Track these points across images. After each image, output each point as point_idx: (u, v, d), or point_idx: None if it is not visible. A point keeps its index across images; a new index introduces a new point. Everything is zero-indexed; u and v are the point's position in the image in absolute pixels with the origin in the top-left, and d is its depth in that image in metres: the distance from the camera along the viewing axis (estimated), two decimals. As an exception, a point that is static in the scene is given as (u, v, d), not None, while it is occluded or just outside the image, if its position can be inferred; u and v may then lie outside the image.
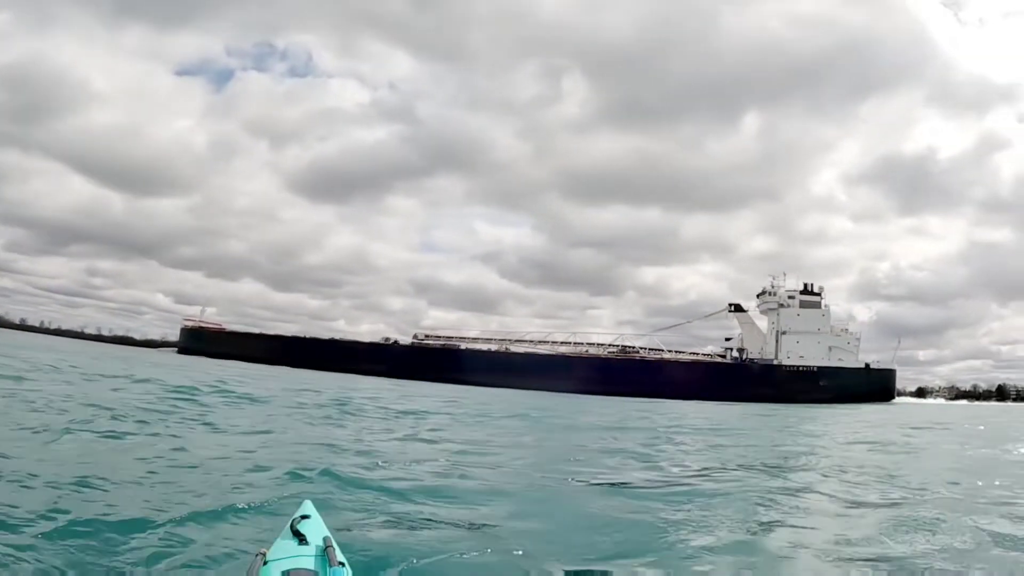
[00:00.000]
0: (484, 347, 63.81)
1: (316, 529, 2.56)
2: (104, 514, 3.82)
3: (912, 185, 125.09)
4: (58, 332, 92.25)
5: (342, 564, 2.25)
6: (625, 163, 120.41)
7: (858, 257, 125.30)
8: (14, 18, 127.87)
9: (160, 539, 3.51)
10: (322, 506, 2.92)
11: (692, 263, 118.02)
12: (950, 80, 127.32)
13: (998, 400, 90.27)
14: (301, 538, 2.44)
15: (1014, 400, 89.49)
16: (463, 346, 63.91)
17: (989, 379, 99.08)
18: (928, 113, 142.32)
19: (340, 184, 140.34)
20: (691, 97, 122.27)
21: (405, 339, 66.59)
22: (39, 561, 3.08)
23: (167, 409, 9.58)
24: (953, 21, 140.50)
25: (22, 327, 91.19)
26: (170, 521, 3.79)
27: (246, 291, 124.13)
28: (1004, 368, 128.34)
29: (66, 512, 3.78)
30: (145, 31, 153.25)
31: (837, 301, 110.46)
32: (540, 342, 63.15)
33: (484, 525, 4.41)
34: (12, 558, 3.07)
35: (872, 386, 51.77)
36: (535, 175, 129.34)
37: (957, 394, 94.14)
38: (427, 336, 66.62)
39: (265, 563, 2.28)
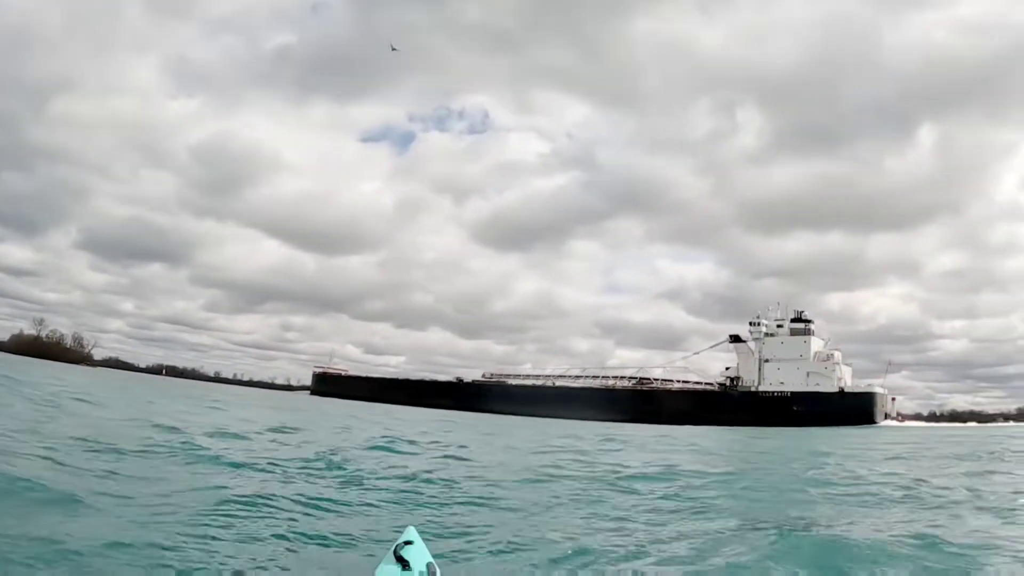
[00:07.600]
0: (531, 383, 74.92)
1: (420, 555, 2.58)
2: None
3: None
4: (249, 383, 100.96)
5: None
6: (804, 189, 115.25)
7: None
8: (207, 101, 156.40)
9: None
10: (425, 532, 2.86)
11: (878, 286, 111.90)
12: None
13: None
14: (404, 564, 2.48)
15: None
16: (512, 382, 75.72)
17: None
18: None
19: (523, 232, 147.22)
20: (863, 117, 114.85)
21: (470, 377, 79.53)
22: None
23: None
24: None
25: (215, 379, 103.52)
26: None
27: (433, 340, 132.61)
28: None
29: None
30: (329, 105, 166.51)
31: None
32: (576, 376, 72.47)
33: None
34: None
35: (847, 410, 52.25)
36: (715, 210, 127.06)
37: None
38: (492, 375, 79.66)
39: None
